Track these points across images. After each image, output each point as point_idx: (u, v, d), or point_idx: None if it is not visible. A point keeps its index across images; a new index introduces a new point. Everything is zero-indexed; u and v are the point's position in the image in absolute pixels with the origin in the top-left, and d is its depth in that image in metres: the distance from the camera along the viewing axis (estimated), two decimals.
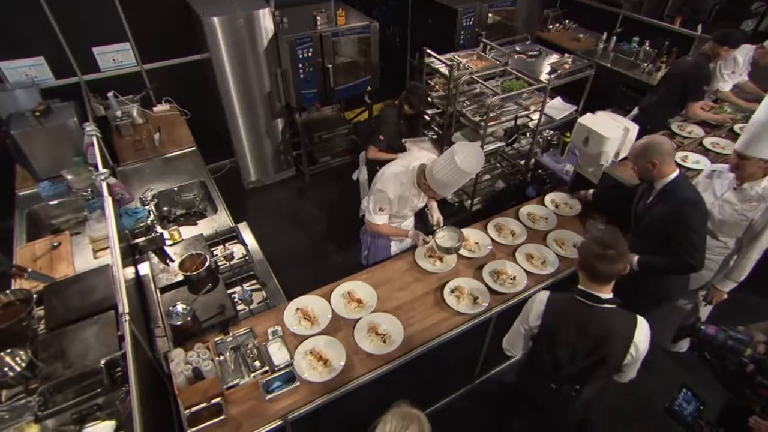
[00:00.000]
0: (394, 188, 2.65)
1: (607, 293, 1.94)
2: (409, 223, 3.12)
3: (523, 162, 4.32)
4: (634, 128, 3.41)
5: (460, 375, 3.20)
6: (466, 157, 2.38)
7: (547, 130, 4.24)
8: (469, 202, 4.32)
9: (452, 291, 2.71)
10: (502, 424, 2.92)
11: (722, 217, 2.74)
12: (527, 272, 2.83)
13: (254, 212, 4.96)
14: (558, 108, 4.35)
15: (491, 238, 3.08)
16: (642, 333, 1.93)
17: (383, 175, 2.67)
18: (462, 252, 2.98)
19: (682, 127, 3.99)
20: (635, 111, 4.31)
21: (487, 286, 2.75)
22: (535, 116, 4.00)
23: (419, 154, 2.70)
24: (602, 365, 1.98)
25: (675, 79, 3.99)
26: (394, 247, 3.18)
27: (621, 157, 3.48)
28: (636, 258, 2.63)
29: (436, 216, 2.96)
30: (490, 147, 3.98)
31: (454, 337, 2.54)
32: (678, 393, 1.96)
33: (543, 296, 2.07)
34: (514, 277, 2.80)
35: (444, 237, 2.87)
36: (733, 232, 2.78)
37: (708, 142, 3.80)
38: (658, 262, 2.57)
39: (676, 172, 2.54)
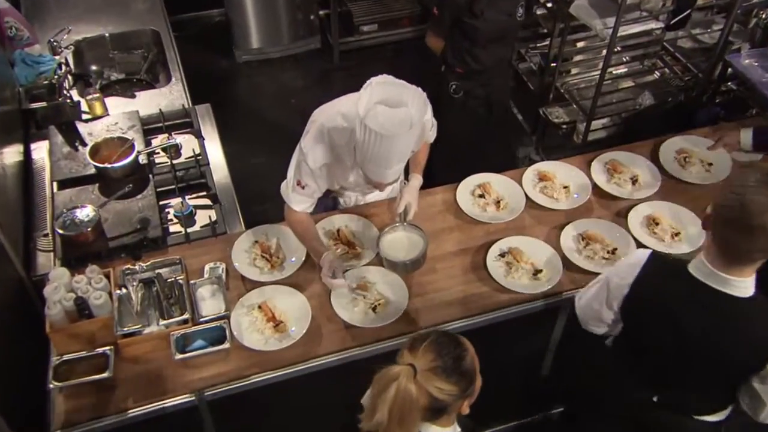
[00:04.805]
0: (322, 152, 2.39)
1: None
2: (375, 197, 2.92)
3: (704, 64, 4.05)
4: None
5: (503, 398, 3.20)
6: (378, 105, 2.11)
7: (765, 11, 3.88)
8: (585, 124, 4.16)
9: (503, 254, 2.71)
10: None
11: None
12: (639, 245, 2.75)
13: (242, 100, 5.08)
14: None
15: (593, 182, 3.01)
16: None
17: (312, 124, 2.42)
18: (536, 197, 2.94)
19: None
20: None
21: (563, 254, 2.71)
22: None
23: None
24: None
25: None
26: None
27: None
28: None
29: (403, 203, 2.64)
30: (636, 28, 3.77)
31: (491, 325, 2.55)
32: None
33: None
34: (614, 249, 2.73)
35: (392, 243, 2.58)
36: None
37: None
38: None
39: None
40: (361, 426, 1.68)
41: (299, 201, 2.52)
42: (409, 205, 2.64)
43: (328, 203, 2.91)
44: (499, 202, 2.92)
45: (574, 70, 4.49)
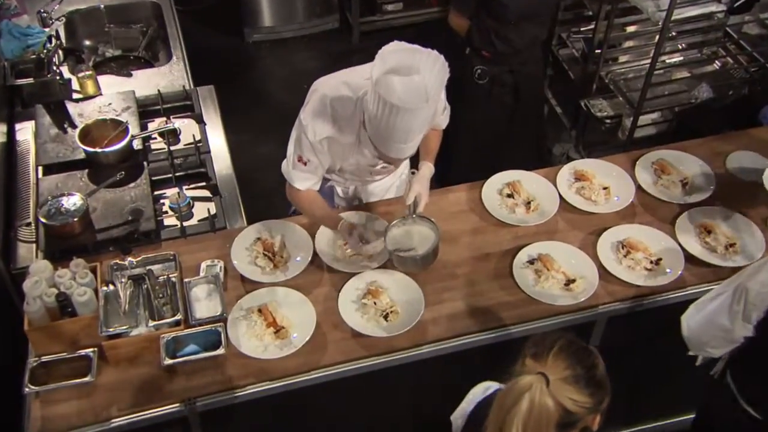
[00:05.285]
0: (323, 124, 2.42)
1: None
2: (376, 187, 2.96)
3: None
4: None
5: None
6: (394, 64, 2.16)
7: None
8: (631, 119, 4.15)
9: (531, 260, 2.71)
10: None
11: None
12: (688, 255, 2.74)
13: (250, 84, 5.11)
14: None
15: (637, 184, 3.01)
16: None
17: (312, 94, 2.47)
18: (571, 199, 2.95)
19: None
20: None
21: (600, 263, 2.71)
22: None
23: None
24: None
25: None
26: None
27: None
28: None
29: (413, 194, 2.64)
30: (694, 11, 3.77)
31: (516, 339, 2.54)
32: None
33: None
34: (659, 259, 2.73)
35: (401, 237, 2.64)
36: None
37: None
38: None
39: None
40: None
41: (302, 178, 2.54)
42: (419, 196, 2.64)
43: (326, 192, 2.92)
44: (529, 203, 2.91)
45: (621, 58, 4.48)
